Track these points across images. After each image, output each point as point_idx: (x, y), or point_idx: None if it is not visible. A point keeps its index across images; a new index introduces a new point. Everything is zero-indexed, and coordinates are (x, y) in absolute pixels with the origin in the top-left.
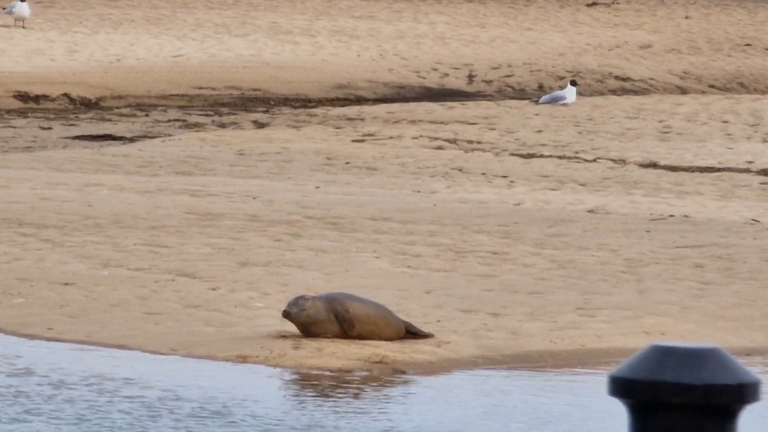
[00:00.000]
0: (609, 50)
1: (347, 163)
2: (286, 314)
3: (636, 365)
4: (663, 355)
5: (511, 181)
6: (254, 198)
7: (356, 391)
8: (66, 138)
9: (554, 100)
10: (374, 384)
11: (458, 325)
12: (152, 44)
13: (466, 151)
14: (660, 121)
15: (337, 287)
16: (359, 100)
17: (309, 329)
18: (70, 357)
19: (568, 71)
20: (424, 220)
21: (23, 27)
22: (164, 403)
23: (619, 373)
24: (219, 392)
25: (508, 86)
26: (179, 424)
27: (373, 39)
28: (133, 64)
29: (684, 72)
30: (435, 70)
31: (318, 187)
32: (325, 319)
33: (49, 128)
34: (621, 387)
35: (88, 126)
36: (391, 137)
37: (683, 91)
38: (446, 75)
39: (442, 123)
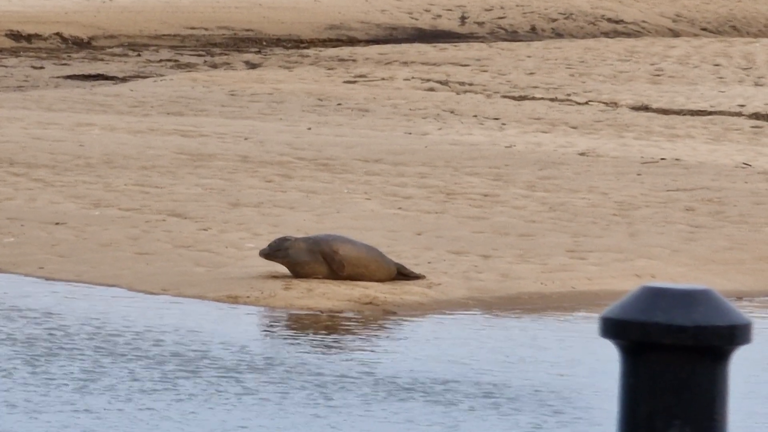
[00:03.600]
0: None
1: (339, 104)
2: (261, 254)
3: (627, 306)
4: (654, 296)
5: (503, 124)
6: (245, 139)
7: (346, 332)
8: (58, 77)
9: None
10: (364, 325)
11: (449, 266)
12: None
13: (457, 93)
14: (652, 64)
15: (328, 228)
16: (351, 41)
17: (296, 270)
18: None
19: (561, 13)
20: (415, 162)
21: None
22: (153, 343)
23: (611, 314)
24: (207, 332)
25: (501, 28)
26: (168, 366)
27: None
28: (126, 3)
29: (676, 15)
30: (427, 11)
31: (309, 128)
32: (311, 260)
33: (41, 67)
34: (612, 328)
35: (80, 65)
36: (383, 78)
37: (675, 34)
38: (438, 16)
39: (434, 64)
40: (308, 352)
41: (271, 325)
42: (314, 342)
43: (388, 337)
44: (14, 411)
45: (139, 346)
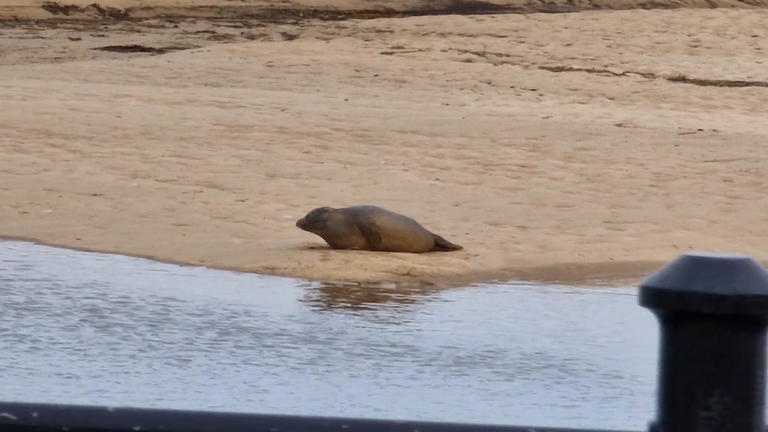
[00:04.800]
0: None
1: (376, 75)
2: (298, 224)
3: (667, 275)
4: (694, 265)
5: (540, 95)
6: (283, 110)
7: (383, 303)
8: (95, 49)
9: None
10: (401, 296)
11: (486, 237)
12: None
13: (495, 64)
14: (689, 35)
15: (365, 200)
16: (388, 13)
17: (333, 241)
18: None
19: None
20: (452, 133)
21: None
22: (191, 313)
23: (650, 283)
24: (245, 303)
25: None
26: (205, 335)
27: None
28: None
29: None
30: None
31: (347, 100)
32: (348, 231)
33: (78, 39)
34: (652, 297)
35: (117, 37)
36: (420, 50)
37: (712, 5)
38: None
39: (471, 36)
40: (345, 323)
41: (309, 296)
42: (352, 313)
43: (425, 308)
44: (78, 382)
45: (189, 318)
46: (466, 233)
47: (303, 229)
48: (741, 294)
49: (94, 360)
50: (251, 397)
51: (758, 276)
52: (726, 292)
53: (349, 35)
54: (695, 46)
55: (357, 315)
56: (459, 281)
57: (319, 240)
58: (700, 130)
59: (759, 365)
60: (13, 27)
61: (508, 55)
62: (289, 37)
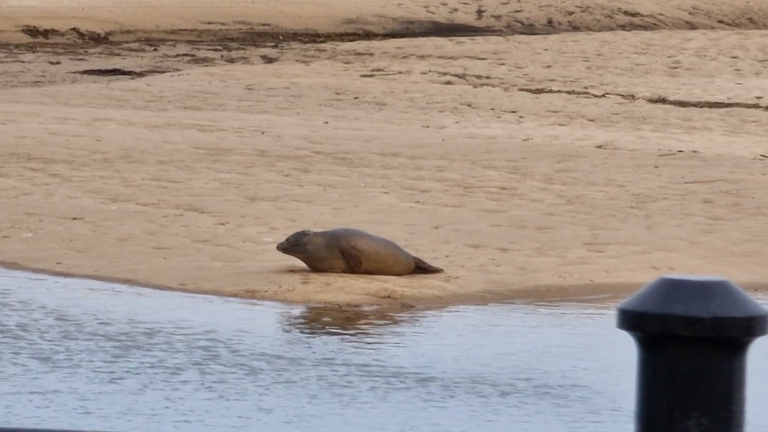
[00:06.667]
0: None
1: (356, 98)
2: (279, 248)
3: (645, 298)
4: (672, 287)
5: (520, 117)
6: (263, 133)
7: (364, 325)
8: (75, 72)
9: None
10: (382, 319)
11: (466, 260)
12: None
13: (474, 87)
14: (669, 57)
15: (345, 222)
16: (368, 35)
17: (314, 265)
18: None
19: (578, 6)
20: (432, 156)
21: None
22: (171, 337)
23: (628, 306)
24: (226, 327)
25: (517, 21)
26: (186, 358)
27: None
28: None
29: (693, 7)
30: (444, 4)
31: (327, 122)
32: (329, 255)
33: (58, 63)
34: (630, 319)
35: (96, 60)
36: (400, 72)
37: (692, 27)
38: (455, 10)
39: (451, 58)
40: (326, 347)
41: (289, 320)
42: (333, 336)
43: (406, 331)
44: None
45: (166, 342)
46: (447, 255)
47: (284, 252)
48: (718, 316)
49: (90, 382)
50: (240, 423)
51: (735, 298)
52: (703, 314)
53: (328, 58)
54: (675, 68)
55: (334, 339)
56: (440, 303)
57: (300, 263)
58: (680, 151)
59: (736, 387)
60: None
61: (488, 77)
62: (269, 60)
